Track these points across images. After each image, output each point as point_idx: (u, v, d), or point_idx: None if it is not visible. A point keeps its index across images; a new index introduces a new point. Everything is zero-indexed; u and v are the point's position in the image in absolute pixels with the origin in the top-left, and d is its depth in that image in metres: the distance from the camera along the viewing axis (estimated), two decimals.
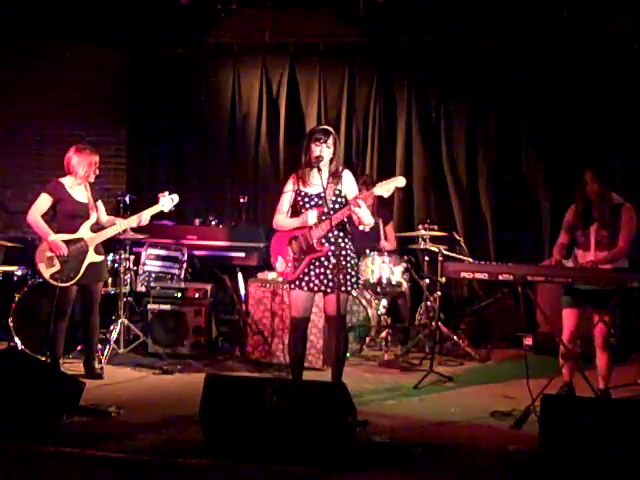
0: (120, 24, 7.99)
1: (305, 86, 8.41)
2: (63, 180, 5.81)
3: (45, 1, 7.83)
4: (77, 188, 5.82)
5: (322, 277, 4.95)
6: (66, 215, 5.76)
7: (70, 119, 8.53)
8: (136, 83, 8.63)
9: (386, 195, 4.89)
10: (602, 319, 5.09)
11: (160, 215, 6.08)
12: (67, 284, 5.69)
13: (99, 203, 5.94)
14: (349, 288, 4.98)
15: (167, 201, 5.91)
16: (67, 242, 5.70)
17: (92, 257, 5.76)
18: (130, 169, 8.74)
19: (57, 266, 5.69)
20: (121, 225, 5.84)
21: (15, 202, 8.28)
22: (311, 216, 4.95)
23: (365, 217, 4.92)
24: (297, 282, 5.01)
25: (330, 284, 4.92)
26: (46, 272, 5.71)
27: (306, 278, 4.98)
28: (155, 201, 5.91)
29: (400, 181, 4.86)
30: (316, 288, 4.98)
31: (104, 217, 5.96)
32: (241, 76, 8.50)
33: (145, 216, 5.81)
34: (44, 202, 5.76)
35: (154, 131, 8.67)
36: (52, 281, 5.70)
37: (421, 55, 8.12)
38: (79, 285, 5.79)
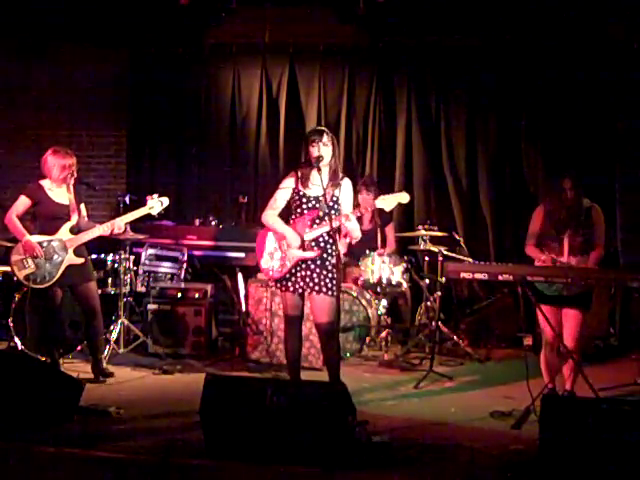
0: (120, 24, 7.99)
1: (305, 86, 8.41)
2: (43, 182, 5.76)
3: (45, 1, 7.83)
4: (57, 190, 5.76)
5: (307, 279, 4.96)
6: (46, 217, 5.72)
7: (70, 119, 8.53)
8: (136, 83, 8.63)
9: (387, 209, 4.96)
10: (576, 318, 5.05)
11: (160, 215, 6.06)
12: (41, 286, 5.64)
13: (81, 206, 5.86)
14: (329, 292, 4.93)
15: (156, 204, 5.81)
16: (44, 243, 5.65)
17: (71, 259, 5.68)
18: (130, 169, 8.74)
19: (31, 267, 5.63)
20: (98, 230, 5.72)
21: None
22: (295, 240, 4.93)
23: (353, 231, 5.02)
24: (283, 282, 5.01)
25: (316, 287, 4.93)
26: (19, 273, 5.67)
27: (292, 279, 4.99)
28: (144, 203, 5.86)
29: (404, 197, 4.92)
30: (301, 290, 4.99)
31: (84, 220, 5.87)
32: (241, 76, 8.50)
33: (118, 224, 5.71)
34: (21, 204, 5.74)
35: (154, 131, 8.67)
36: (25, 282, 5.66)
37: (421, 55, 8.12)
38: (66, 287, 5.74)
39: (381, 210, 7.31)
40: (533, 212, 5.31)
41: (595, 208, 5.16)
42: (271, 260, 5.05)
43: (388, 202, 4.88)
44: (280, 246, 5.03)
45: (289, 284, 4.99)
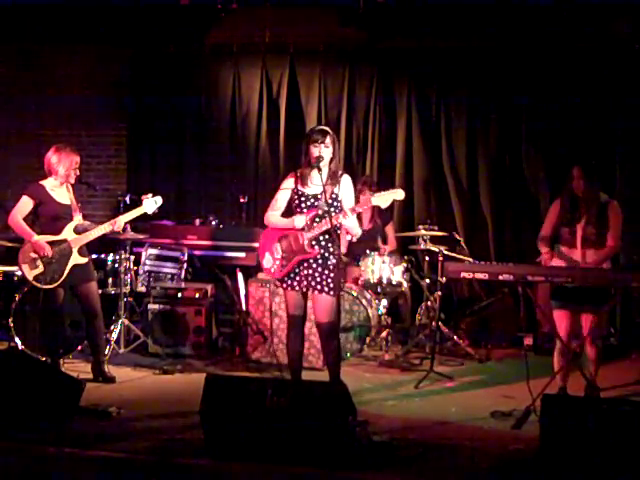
0: (120, 24, 7.99)
1: (305, 86, 8.41)
2: (44, 182, 5.75)
3: (45, 1, 7.83)
4: (59, 190, 5.76)
5: (310, 278, 4.96)
6: (48, 217, 5.71)
7: (70, 119, 8.53)
8: (136, 83, 8.63)
9: (383, 206, 4.94)
10: (594, 316, 5.07)
11: (160, 215, 6.06)
12: (50, 286, 5.63)
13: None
14: (331, 292, 4.94)
15: (150, 203, 5.82)
16: (50, 243, 5.65)
17: (76, 259, 5.69)
18: (130, 169, 8.74)
19: (40, 268, 5.63)
20: (101, 229, 5.73)
21: (15, 202, 8.26)
22: (298, 220, 4.96)
23: (352, 228, 4.98)
24: (287, 281, 5.02)
25: (318, 286, 4.93)
26: (30, 274, 5.66)
27: (297, 278, 4.99)
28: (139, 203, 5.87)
29: (399, 194, 4.90)
30: (305, 289, 4.99)
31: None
32: (241, 76, 8.50)
33: (119, 223, 5.72)
34: (25, 205, 5.71)
35: (154, 131, 8.67)
36: (35, 283, 5.65)
37: (421, 55, 8.12)
38: (68, 287, 5.74)
39: (381, 209, 7.37)
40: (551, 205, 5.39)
41: (612, 204, 5.21)
42: (272, 259, 5.06)
43: (384, 199, 4.88)
44: (281, 245, 5.03)
45: (294, 283, 4.99)
